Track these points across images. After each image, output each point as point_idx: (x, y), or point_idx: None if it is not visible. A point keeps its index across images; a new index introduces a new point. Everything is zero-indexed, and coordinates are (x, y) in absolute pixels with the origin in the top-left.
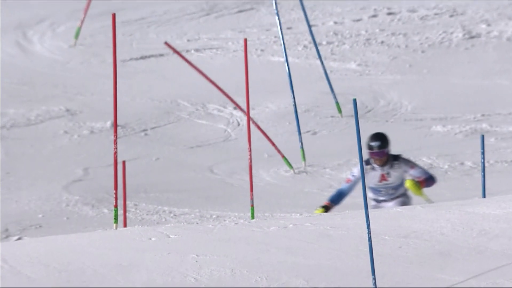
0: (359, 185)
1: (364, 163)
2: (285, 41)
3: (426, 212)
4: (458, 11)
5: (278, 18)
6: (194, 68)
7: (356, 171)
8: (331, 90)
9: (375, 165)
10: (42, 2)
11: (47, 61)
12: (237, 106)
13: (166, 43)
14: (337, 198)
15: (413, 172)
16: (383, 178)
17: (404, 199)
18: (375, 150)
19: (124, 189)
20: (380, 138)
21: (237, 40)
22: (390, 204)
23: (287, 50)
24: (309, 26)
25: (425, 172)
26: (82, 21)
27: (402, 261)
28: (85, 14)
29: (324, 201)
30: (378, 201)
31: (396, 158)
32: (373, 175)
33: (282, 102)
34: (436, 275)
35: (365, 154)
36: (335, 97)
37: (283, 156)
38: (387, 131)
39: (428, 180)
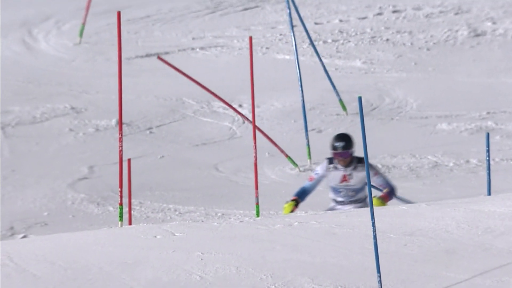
0: (323, 183)
1: (327, 161)
2: (290, 39)
3: (431, 210)
4: (463, 9)
5: (290, 18)
6: (190, 79)
7: (319, 169)
8: (333, 87)
9: (338, 165)
10: (47, 0)
11: (52, 59)
12: (234, 110)
13: (159, 57)
14: (301, 195)
15: (375, 179)
16: (344, 179)
17: (363, 205)
18: (339, 151)
19: (129, 187)
20: (345, 139)
21: (242, 38)
22: (347, 207)
23: (292, 48)
24: (303, 23)
25: (386, 182)
26: (85, 19)
27: (407, 259)
28: (86, 11)
29: (292, 196)
30: (336, 202)
31: (361, 161)
32: (335, 175)
33: (287, 100)
34: (441, 273)
35: (330, 153)
36: (338, 94)
37: (287, 156)
38: (393, 129)
39: (390, 194)
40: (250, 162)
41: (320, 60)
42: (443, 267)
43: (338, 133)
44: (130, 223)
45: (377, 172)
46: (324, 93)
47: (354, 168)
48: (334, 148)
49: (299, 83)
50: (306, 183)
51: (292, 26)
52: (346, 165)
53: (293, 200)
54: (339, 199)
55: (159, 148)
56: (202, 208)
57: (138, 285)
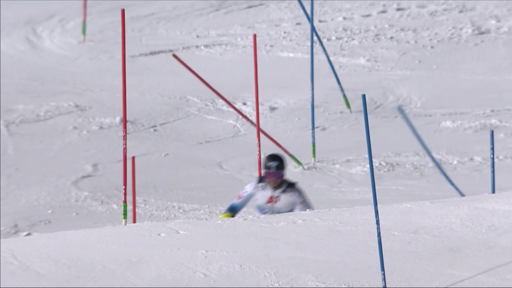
0: (251, 202)
1: (257, 180)
2: (294, 37)
3: (435, 208)
4: (468, 6)
5: (308, 17)
6: (202, 80)
7: (249, 187)
8: (338, 84)
9: (267, 186)
10: None
11: (57, 57)
12: (236, 110)
13: (174, 55)
14: (232, 211)
15: (301, 207)
16: (271, 200)
17: None
18: (273, 170)
19: (133, 184)
20: (279, 159)
21: (246, 36)
22: None
23: (296, 46)
24: (311, 22)
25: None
26: (85, 16)
27: (411, 256)
28: (84, 8)
29: (224, 212)
30: None
31: (292, 185)
32: (263, 195)
33: (291, 98)
34: (445, 271)
35: (262, 173)
36: (342, 90)
37: (290, 155)
38: (397, 127)
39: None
40: (254, 160)
41: (328, 58)
42: (447, 265)
43: (271, 154)
44: (134, 221)
45: (304, 201)
46: (328, 91)
47: (283, 191)
48: (267, 167)
49: (311, 81)
50: (235, 200)
51: (313, 26)
52: (277, 186)
53: (227, 213)
54: None
55: (163, 146)
56: (206, 206)
57: (142, 283)
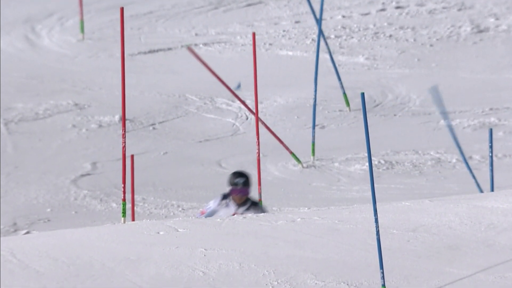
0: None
1: (221, 197)
2: (293, 35)
3: (434, 206)
4: (467, 4)
5: (318, 18)
6: (216, 77)
7: (212, 203)
8: (339, 81)
9: (231, 203)
10: None
11: (56, 55)
12: (246, 107)
13: (189, 48)
14: None
15: None
16: None
17: None
18: (240, 187)
19: (132, 183)
20: (245, 176)
21: (245, 34)
22: None
23: (296, 44)
24: (316, 20)
25: None
26: (81, 14)
27: (410, 255)
28: (80, 6)
29: None
30: None
31: (256, 204)
32: (226, 212)
33: (290, 96)
34: (444, 269)
35: (227, 190)
36: (342, 88)
37: (291, 152)
38: (396, 125)
39: None
40: (253, 158)
41: (331, 56)
42: (446, 263)
43: (237, 171)
44: (133, 219)
45: None
46: (327, 89)
47: (247, 209)
48: (234, 184)
49: (314, 80)
50: (197, 215)
51: (320, 25)
52: (241, 204)
53: None
54: None
55: (162, 144)
56: (205, 204)
57: (141, 281)
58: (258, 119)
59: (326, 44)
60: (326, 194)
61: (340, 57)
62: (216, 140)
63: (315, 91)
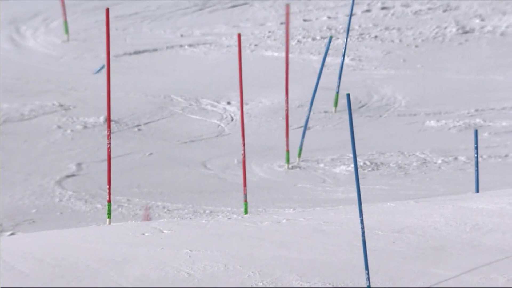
0: None
1: None
2: (279, 36)
3: (419, 207)
4: (452, 6)
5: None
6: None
7: None
8: (338, 80)
9: None
10: None
11: (41, 56)
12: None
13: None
14: None
15: None
16: None
17: None
18: None
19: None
20: None
21: (230, 35)
22: None
23: (281, 45)
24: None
25: None
26: (65, 15)
27: (395, 256)
28: (63, 7)
29: None
30: None
31: None
32: None
33: (276, 97)
34: (429, 270)
35: None
36: (338, 87)
37: (287, 150)
38: (381, 126)
39: None
40: (239, 159)
41: (343, 58)
42: (431, 264)
43: None
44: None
45: None
46: (312, 91)
47: None
48: None
49: (316, 83)
50: None
51: (349, 28)
52: None
53: None
54: None
55: (147, 145)
56: (190, 205)
57: (126, 282)
58: (243, 119)
59: (345, 45)
60: (311, 195)
61: (326, 58)
62: (201, 141)
63: (313, 96)
